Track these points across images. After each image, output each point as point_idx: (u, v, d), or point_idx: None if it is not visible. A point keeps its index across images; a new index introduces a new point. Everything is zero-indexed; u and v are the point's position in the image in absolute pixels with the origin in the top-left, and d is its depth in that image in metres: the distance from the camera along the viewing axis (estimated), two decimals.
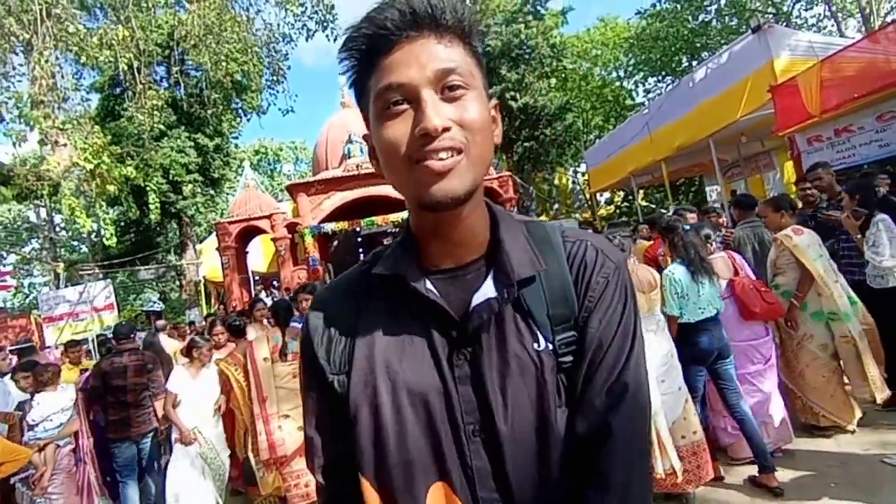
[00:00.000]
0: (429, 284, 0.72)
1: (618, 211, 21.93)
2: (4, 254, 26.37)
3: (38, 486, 3.68)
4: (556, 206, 23.48)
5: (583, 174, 21.91)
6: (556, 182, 23.34)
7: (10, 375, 4.83)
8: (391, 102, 0.66)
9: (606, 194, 20.75)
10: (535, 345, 0.70)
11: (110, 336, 6.37)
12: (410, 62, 0.65)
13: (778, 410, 3.60)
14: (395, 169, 0.68)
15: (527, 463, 0.68)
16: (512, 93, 17.95)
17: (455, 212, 0.69)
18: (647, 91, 22.00)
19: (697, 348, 3.35)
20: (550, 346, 0.70)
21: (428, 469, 0.69)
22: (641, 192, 18.27)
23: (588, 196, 20.38)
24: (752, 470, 3.40)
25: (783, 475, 3.33)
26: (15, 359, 6.92)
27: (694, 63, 18.31)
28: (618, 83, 23.21)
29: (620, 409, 0.69)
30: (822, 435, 3.80)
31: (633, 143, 11.05)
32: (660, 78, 21.26)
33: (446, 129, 0.64)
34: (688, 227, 3.60)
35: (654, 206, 20.27)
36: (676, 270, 3.39)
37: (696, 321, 3.33)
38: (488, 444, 0.68)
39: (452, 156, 0.65)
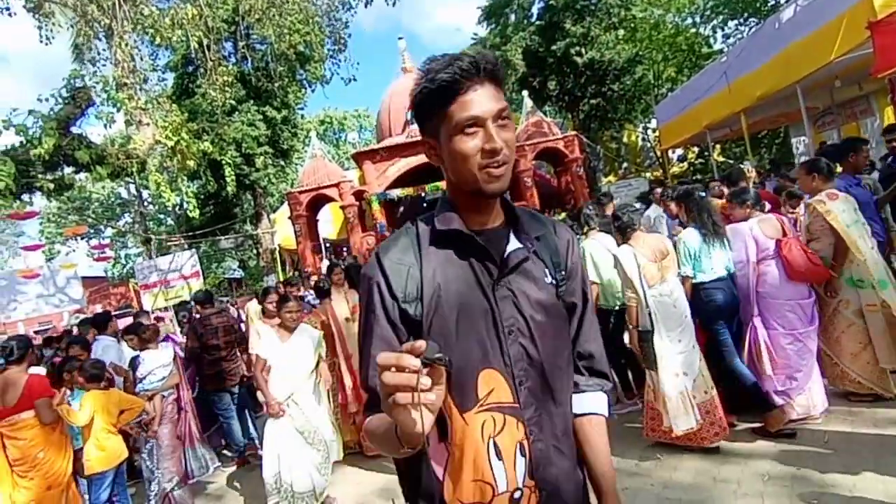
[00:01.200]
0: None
1: (691, 168, 20.77)
2: (102, 228, 28.92)
3: (150, 429, 4.19)
4: (624, 164, 22.58)
5: (653, 130, 20.81)
6: (625, 140, 22.38)
7: (121, 336, 5.50)
8: (468, 125, 0.99)
9: (679, 151, 19.67)
10: (546, 279, 1.12)
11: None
12: (483, 102, 0.99)
13: (818, 375, 3.69)
14: (466, 168, 1.01)
15: (550, 343, 1.09)
16: (577, 48, 17.20)
17: (496, 198, 1.08)
18: (727, 36, 20.11)
19: (714, 304, 3.65)
20: (554, 281, 1.13)
21: (479, 360, 1.04)
22: (718, 147, 17.16)
23: (659, 153, 19.40)
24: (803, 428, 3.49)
25: (854, 435, 3.36)
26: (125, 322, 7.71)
27: (782, 1, 16.62)
28: (693, 30, 21.48)
29: (589, 304, 1.23)
30: (862, 401, 3.71)
31: (708, 95, 10.33)
32: (741, 20, 19.40)
33: (502, 149, 1.00)
34: (703, 194, 3.94)
35: (731, 161, 18.99)
36: (689, 234, 3.71)
37: (709, 281, 3.64)
38: (522, 338, 1.06)
39: (503, 165, 1.01)
